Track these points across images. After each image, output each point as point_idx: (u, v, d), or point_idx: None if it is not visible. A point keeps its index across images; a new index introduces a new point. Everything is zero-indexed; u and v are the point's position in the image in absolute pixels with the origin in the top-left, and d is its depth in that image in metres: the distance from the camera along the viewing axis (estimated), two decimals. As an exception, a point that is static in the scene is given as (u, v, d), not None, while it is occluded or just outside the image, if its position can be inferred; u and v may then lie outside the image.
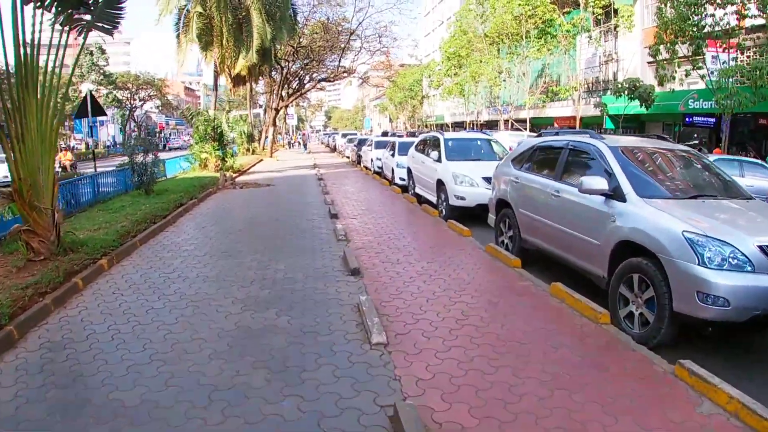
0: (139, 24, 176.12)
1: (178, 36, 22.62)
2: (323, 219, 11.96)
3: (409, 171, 15.67)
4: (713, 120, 25.16)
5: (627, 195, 5.90)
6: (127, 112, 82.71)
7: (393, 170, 18.44)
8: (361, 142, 31.18)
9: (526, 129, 34.48)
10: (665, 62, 20.00)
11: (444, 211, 12.11)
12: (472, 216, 11.62)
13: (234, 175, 22.29)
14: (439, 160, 12.69)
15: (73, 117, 25.47)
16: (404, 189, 16.80)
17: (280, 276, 7.31)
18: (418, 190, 14.66)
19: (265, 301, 6.30)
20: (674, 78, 18.97)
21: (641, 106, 26.20)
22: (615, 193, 6.02)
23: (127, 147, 15.86)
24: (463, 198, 11.42)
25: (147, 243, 9.81)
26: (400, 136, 39.77)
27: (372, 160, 24.43)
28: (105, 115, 19.33)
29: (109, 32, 9.56)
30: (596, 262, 6.21)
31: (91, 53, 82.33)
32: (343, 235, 9.79)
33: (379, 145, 24.62)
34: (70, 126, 69.99)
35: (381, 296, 6.36)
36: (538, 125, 37.58)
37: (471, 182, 11.43)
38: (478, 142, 14.12)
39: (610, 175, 6.19)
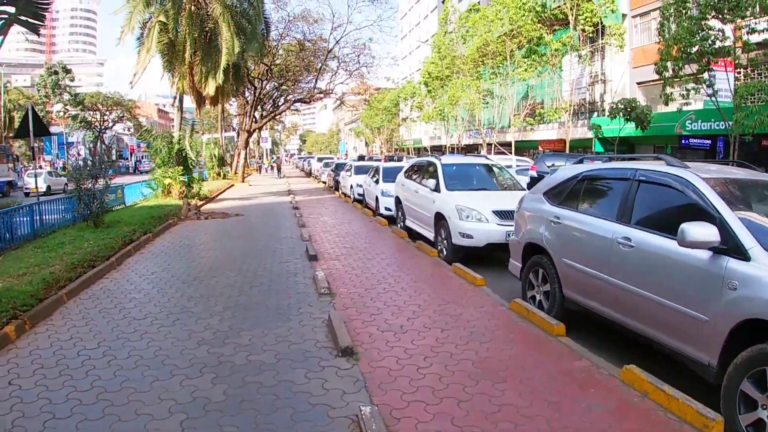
0: (112, 45, 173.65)
1: (139, 52, 20.56)
2: (300, 261, 9.94)
3: (398, 201, 13.75)
4: (709, 142, 24.00)
5: (750, 250, 4.03)
6: (97, 134, 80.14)
7: (377, 199, 16.52)
8: (339, 167, 29.27)
9: (511, 153, 33.05)
10: (672, 80, 18.53)
11: (445, 251, 10.17)
12: (477, 256, 9.79)
13: (199, 204, 20.17)
14: (437, 189, 10.79)
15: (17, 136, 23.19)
16: (391, 220, 14.91)
17: (242, 358, 5.24)
18: (409, 224, 12.73)
19: (217, 408, 4.24)
20: (683, 96, 17.50)
21: (636, 128, 25.01)
22: (728, 247, 4.17)
23: (74, 171, 13.60)
24: (470, 236, 9.50)
25: (78, 296, 7.73)
26: (377, 160, 38.22)
27: (352, 187, 22.48)
28: (49, 134, 17.15)
29: (35, 29, 7.83)
30: (698, 343, 4.33)
31: (56, 73, 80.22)
32: (325, 287, 7.78)
33: (360, 171, 22.71)
34: (39, 147, 67.16)
35: (391, 399, 4.34)
36: (522, 149, 36.17)
37: (479, 217, 9.54)
38: (478, 167, 12.30)
39: (714, 220, 4.34)
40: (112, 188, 19.55)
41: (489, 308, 6.82)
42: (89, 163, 13.46)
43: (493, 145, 37.98)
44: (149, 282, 8.54)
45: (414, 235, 12.20)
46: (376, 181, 17.05)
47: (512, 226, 8.81)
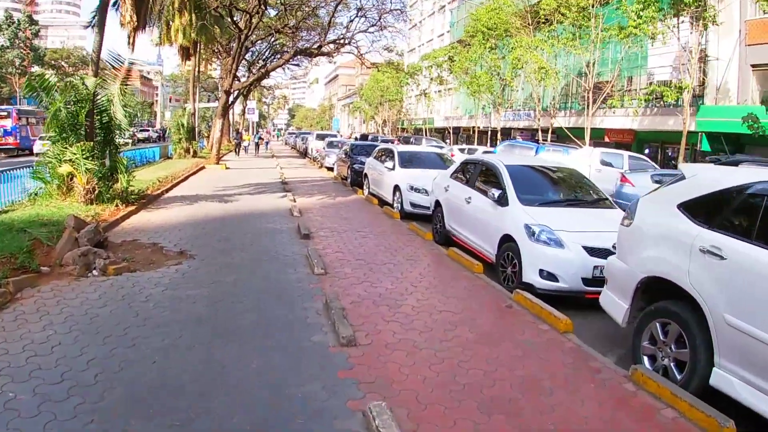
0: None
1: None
2: None
3: (651, 286, 4.48)
4: None
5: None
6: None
7: (515, 244, 7.09)
8: (356, 151, 19.48)
9: (584, 143, 24.19)
10: None
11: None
12: None
13: (119, 216, 10.58)
14: None
15: None
16: (569, 303, 5.78)
17: None
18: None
19: None
20: None
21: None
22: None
23: None
24: None
25: None
26: (388, 141, 28.91)
27: (397, 191, 13.07)
28: None
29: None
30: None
31: (18, 23, 71.24)
32: None
33: (411, 162, 13.41)
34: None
35: None
36: (580, 138, 27.13)
37: None
38: None
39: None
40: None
41: None
42: None
43: (548, 131, 29.07)
44: None
45: None
46: (501, 200, 7.62)
47: None
